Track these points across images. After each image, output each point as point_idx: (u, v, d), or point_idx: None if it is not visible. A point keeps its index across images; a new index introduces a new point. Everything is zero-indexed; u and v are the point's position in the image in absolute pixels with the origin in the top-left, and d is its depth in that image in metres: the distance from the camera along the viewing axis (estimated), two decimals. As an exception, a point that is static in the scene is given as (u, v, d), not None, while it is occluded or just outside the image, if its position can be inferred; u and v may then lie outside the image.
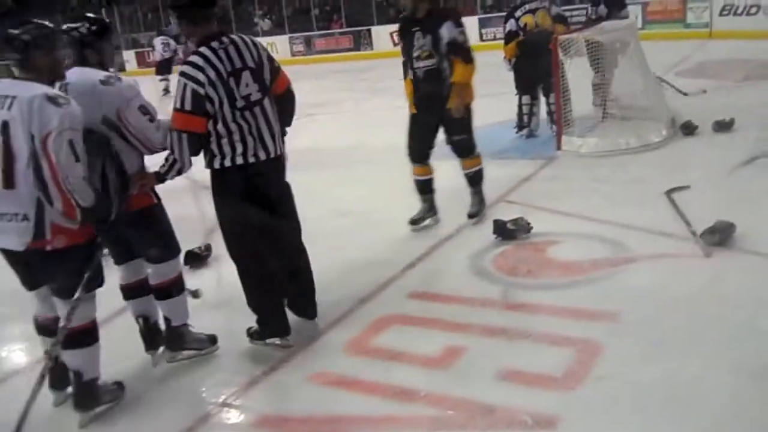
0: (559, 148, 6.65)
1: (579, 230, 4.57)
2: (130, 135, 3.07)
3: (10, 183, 2.75)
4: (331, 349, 3.44)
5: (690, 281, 3.70)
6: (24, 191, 2.74)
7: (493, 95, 7.66)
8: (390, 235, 4.95)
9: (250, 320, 3.52)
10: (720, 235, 4.02)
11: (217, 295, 4.12)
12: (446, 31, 4.51)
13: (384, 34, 20.82)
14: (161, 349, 3.50)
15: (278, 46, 20.78)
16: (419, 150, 4.86)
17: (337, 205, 4.69)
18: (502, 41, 7.45)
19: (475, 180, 5.02)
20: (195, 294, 3.75)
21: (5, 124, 2.72)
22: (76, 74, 3.03)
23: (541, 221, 4.67)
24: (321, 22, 23.47)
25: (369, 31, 21.36)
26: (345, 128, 8.55)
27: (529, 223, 4.58)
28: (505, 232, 4.55)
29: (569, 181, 5.79)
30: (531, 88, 7.22)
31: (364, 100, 12.17)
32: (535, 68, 6.94)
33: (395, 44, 20.50)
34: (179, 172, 3.21)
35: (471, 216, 4.99)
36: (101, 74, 3.05)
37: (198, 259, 4.79)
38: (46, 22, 2.91)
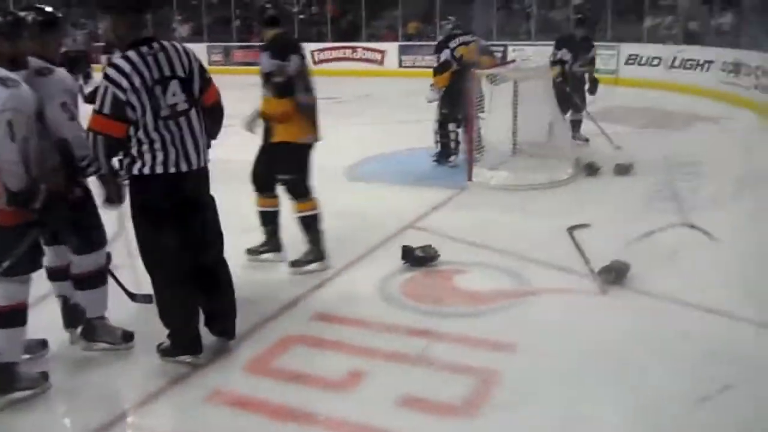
0: (470, 178, 6.80)
1: (485, 261, 4.68)
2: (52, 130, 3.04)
3: None
4: (232, 367, 3.37)
5: (586, 316, 3.85)
6: None
7: (408, 122, 7.80)
8: (297, 254, 4.91)
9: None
10: (615, 274, 4.22)
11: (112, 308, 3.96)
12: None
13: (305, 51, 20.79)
14: (79, 329, 3.49)
15: (195, 53, 20.35)
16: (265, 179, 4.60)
17: (245, 220, 4.63)
18: (430, 70, 7.65)
19: (306, 225, 4.53)
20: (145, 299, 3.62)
21: None
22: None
23: (449, 250, 4.75)
24: (242, 34, 23.21)
25: (290, 47, 21.27)
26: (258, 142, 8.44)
27: (437, 251, 4.65)
28: (414, 258, 4.61)
29: (478, 211, 5.93)
30: (459, 117, 7.39)
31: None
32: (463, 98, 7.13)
33: (315, 62, 20.57)
34: (97, 173, 3.20)
35: (292, 264, 4.54)
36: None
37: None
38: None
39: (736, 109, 11.40)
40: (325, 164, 7.57)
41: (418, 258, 4.60)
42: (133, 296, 3.55)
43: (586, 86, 8.40)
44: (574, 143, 7.80)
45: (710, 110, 10.95)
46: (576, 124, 8.29)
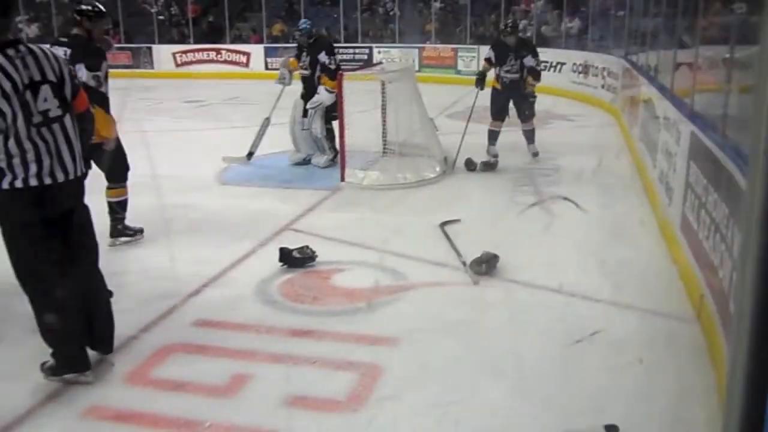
0: (342, 179, 6.88)
1: (362, 259, 4.77)
2: None
3: None
4: (109, 381, 3.24)
5: (460, 307, 4.03)
6: None
7: (276, 125, 7.79)
8: (173, 261, 4.80)
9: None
10: (486, 265, 4.43)
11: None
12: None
13: (166, 54, 20.16)
14: None
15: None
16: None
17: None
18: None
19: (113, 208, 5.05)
20: None
21: None
22: None
23: (326, 250, 4.80)
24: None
25: (150, 49, 20.56)
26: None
27: (314, 252, 4.69)
28: (291, 260, 4.62)
29: (352, 212, 6.02)
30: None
31: (144, 120, 11.67)
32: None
33: (177, 65, 19.97)
34: None
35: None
36: None
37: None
38: None
39: (587, 107, 12.23)
40: (195, 168, 7.46)
41: (295, 259, 4.62)
42: None
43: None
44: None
45: (564, 109, 11.67)
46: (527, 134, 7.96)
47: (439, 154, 7.48)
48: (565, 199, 5.47)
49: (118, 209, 5.08)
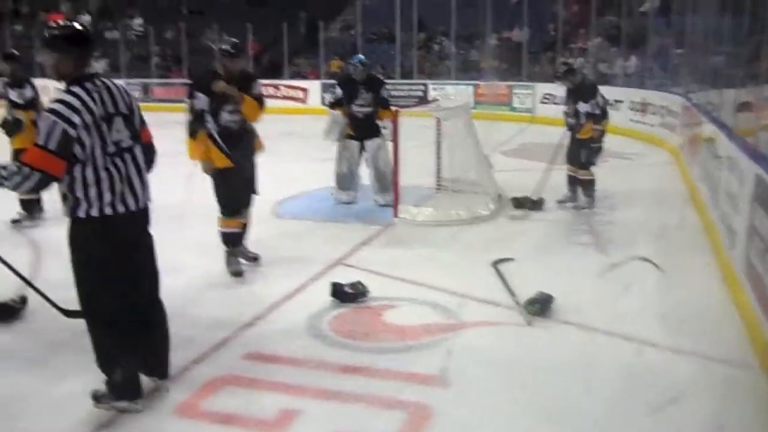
0: (396, 215, 6.89)
1: (413, 296, 4.74)
2: None
3: None
4: (159, 411, 3.26)
5: (513, 348, 3.95)
6: None
7: (332, 160, 7.84)
8: (226, 293, 4.86)
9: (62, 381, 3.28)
10: (540, 306, 4.34)
11: (32, 353, 3.81)
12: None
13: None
14: None
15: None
16: (242, 202, 5.20)
17: (171, 262, 4.52)
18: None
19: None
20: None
21: None
22: None
23: (378, 286, 4.79)
24: (161, 71, 22.92)
25: (211, 84, 21.13)
26: (180, 181, 8.33)
27: (366, 287, 4.68)
28: (343, 295, 4.62)
29: (405, 248, 6.00)
30: None
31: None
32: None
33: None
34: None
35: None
36: None
37: (10, 312, 4.40)
38: None
39: (645, 146, 12.03)
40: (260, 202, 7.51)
41: (347, 294, 4.61)
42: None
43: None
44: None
45: (622, 147, 11.49)
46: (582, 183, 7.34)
47: (493, 191, 7.43)
48: (645, 260, 5.28)
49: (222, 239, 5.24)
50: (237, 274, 5.15)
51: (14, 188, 2.96)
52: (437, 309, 4.48)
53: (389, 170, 7.23)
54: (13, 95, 6.61)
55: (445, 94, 17.07)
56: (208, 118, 4.97)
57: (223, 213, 5.18)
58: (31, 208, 6.75)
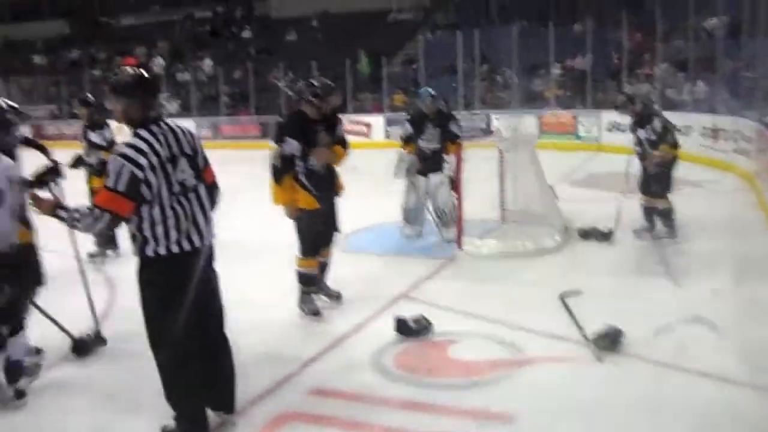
0: (460, 248, 6.84)
1: (478, 330, 4.67)
2: None
3: None
4: (227, 447, 3.30)
5: (583, 385, 3.83)
6: None
7: (396, 193, 7.86)
8: (291, 329, 4.90)
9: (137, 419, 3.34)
10: (610, 340, 4.21)
11: (106, 388, 3.91)
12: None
13: (292, 125, 21.08)
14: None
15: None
16: (324, 241, 5.18)
17: (236, 297, 4.61)
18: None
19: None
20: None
21: None
22: None
23: (442, 320, 4.75)
24: (229, 109, 23.60)
25: (278, 121, 21.62)
26: (248, 217, 8.51)
27: (430, 322, 4.65)
28: (407, 329, 4.59)
29: (469, 281, 5.94)
30: None
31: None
32: None
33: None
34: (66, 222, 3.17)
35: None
36: None
37: (86, 347, 4.54)
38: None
39: (718, 173, 11.63)
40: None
41: (411, 329, 4.59)
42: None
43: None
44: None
45: (693, 174, 11.14)
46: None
47: (559, 222, 7.30)
48: (720, 291, 5.05)
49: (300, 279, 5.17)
50: (315, 313, 5.11)
51: (86, 230, 3.11)
52: (503, 344, 4.40)
53: (448, 207, 7.24)
54: (95, 137, 6.84)
55: (509, 125, 16.98)
56: (298, 162, 4.97)
57: (303, 253, 5.13)
58: (106, 243, 6.97)
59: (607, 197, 7.76)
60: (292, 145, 4.91)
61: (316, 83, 5.12)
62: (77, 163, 6.79)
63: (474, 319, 4.88)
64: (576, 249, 6.85)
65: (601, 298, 5.18)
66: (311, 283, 5.19)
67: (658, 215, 7.04)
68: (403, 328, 4.60)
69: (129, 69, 3.28)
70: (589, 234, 7.08)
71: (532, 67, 19.08)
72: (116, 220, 3.06)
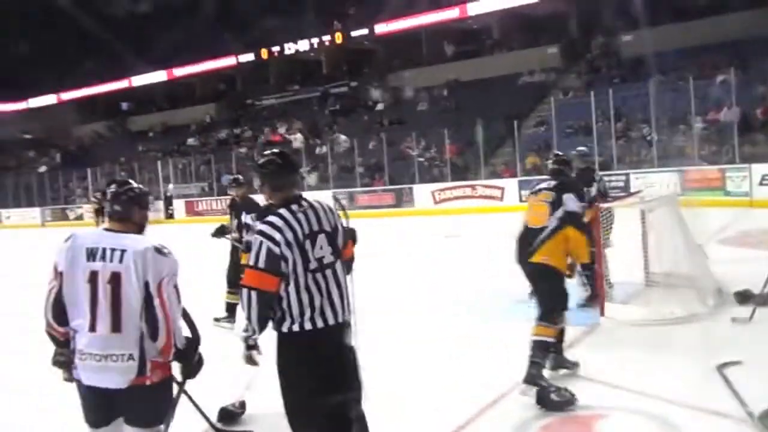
0: (602, 314, 6.53)
1: (626, 404, 4.39)
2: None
3: (117, 327, 3.01)
4: None
5: (749, 468, 3.48)
6: (130, 333, 3.01)
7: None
8: (424, 405, 4.80)
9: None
10: (778, 418, 3.82)
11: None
12: None
13: (425, 192, 21.40)
14: None
15: (322, 199, 21.45)
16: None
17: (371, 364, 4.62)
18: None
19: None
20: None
21: (115, 275, 2.99)
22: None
23: (586, 392, 4.51)
24: (364, 179, 24.34)
25: (411, 188, 22.02)
26: (384, 283, 8.62)
27: (573, 395, 4.42)
28: (549, 402, 4.39)
29: (613, 350, 5.64)
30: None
31: (406, 255, 12.33)
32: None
33: (436, 202, 21.04)
34: (247, 343, 3.24)
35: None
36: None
37: (231, 417, 4.69)
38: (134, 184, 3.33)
39: None
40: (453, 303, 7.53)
41: (554, 402, 4.38)
42: None
43: None
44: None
45: None
46: None
47: (711, 285, 6.82)
48: None
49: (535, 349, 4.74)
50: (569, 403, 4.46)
51: (249, 318, 3.18)
52: (655, 420, 4.10)
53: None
54: (247, 218, 6.86)
55: (649, 183, 16.32)
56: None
57: (546, 318, 4.81)
58: (233, 310, 7.19)
59: (763, 256, 7.18)
60: (575, 202, 4.98)
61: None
62: (219, 233, 7.15)
63: (622, 391, 4.60)
64: (732, 314, 6.34)
65: (764, 369, 4.74)
66: (547, 351, 4.83)
67: None
68: (544, 400, 4.40)
69: (272, 150, 3.46)
70: (747, 297, 6.54)
71: (670, 121, 18.37)
72: (265, 296, 3.16)
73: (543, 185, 5.22)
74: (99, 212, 27.15)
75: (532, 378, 4.58)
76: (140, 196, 3.28)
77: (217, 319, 7.21)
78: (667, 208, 7.38)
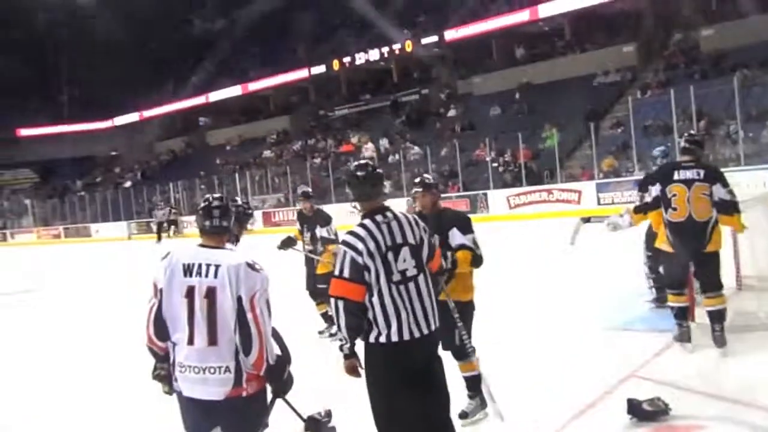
0: (693, 319, 6.28)
1: (725, 414, 4.20)
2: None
3: (213, 340, 3.07)
4: None
5: None
6: (225, 346, 3.07)
7: (613, 260, 7.48)
8: (525, 407, 4.71)
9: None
10: None
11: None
12: None
13: (500, 197, 21.16)
14: None
15: (395, 206, 21.52)
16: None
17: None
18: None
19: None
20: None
21: (211, 289, 3.06)
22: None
23: (680, 402, 4.33)
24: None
25: (485, 194, 21.82)
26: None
27: (667, 404, 4.26)
28: (641, 413, 4.24)
29: (707, 356, 5.40)
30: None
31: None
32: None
33: (511, 207, 20.77)
34: (342, 351, 3.30)
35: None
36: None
37: (317, 425, 4.73)
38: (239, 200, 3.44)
39: None
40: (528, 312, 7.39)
41: (646, 412, 4.23)
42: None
43: None
44: None
45: None
46: None
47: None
48: None
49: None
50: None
51: (339, 326, 3.26)
52: (758, 431, 3.90)
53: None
54: (322, 232, 7.04)
55: (735, 182, 15.63)
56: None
57: (720, 288, 5.61)
58: (329, 318, 7.24)
59: None
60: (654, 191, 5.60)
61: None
62: (285, 244, 7.22)
63: (717, 400, 4.41)
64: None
65: None
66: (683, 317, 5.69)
67: None
68: (636, 411, 4.25)
69: (357, 162, 3.49)
70: None
71: (758, 116, 17.59)
72: (352, 306, 3.19)
73: (690, 174, 5.48)
74: (172, 223, 28.24)
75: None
76: (242, 215, 3.43)
77: (321, 332, 7.26)
78: (757, 209, 7.06)
